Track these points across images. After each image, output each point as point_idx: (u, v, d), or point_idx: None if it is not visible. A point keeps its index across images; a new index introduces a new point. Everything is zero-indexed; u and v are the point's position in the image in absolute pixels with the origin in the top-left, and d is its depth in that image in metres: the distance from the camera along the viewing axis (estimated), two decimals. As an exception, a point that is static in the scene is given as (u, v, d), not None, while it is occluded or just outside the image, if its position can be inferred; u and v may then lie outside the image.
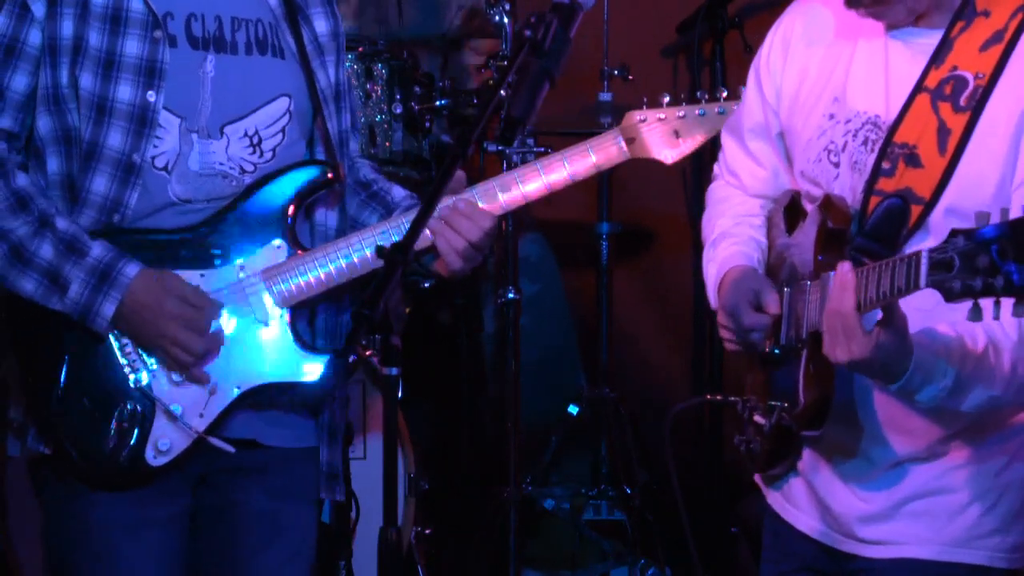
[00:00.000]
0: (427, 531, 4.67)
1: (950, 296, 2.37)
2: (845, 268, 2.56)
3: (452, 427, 5.45)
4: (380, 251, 2.52)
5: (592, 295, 5.44)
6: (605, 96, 5.20)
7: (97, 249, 3.00)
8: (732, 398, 3.07)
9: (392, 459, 2.58)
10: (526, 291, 5.63)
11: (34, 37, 3.01)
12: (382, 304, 2.42)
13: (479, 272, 5.56)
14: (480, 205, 3.11)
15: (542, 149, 4.96)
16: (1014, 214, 2.33)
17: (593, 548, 5.19)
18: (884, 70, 2.83)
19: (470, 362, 5.47)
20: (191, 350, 3.01)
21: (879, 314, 2.54)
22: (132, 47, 3.02)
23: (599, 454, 5.37)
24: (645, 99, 3.23)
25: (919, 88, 2.77)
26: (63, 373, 3.04)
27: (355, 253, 3.11)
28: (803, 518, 2.98)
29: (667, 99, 3.22)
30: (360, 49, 4.93)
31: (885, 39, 2.84)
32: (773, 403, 2.89)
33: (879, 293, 2.50)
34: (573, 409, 5.27)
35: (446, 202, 3.10)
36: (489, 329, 5.65)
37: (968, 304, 2.36)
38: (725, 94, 3.25)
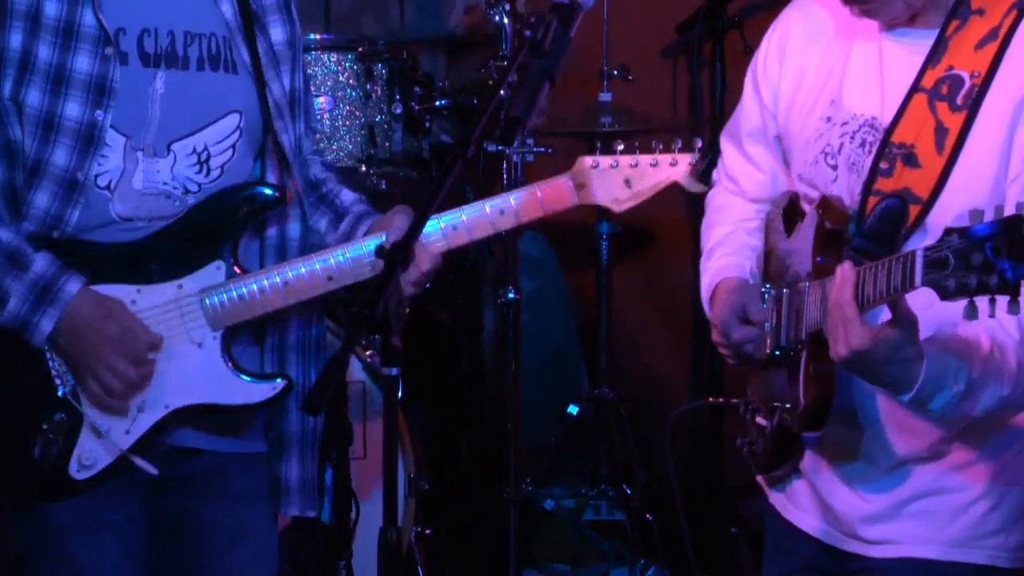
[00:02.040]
0: (427, 531, 4.67)
1: (945, 294, 2.37)
2: (845, 267, 2.57)
3: (452, 427, 5.45)
4: (380, 251, 2.52)
5: (592, 295, 5.44)
6: (605, 96, 5.20)
7: (39, 263, 2.96)
8: (734, 400, 3.07)
9: (392, 459, 2.58)
10: (527, 288, 5.62)
11: None
12: (381, 304, 2.42)
13: (479, 273, 5.56)
14: (424, 245, 3.07)
15: (542, 149, 4.96)
16: (1008, 210, 2.34)
17: (593, 548, 5.19)
18: (879, 71, 2.83)
19: (470, 362, 5.47)
20: (125, 378, 2.98)
21: (886, 314, 2.54)
22: (83, 63, 2.96)
23: (599, 454, 5.37)
24: (599, 144, 3.23)
25: (916, 88, 2.77)
26: None
27: (293, 279, 3.08)
28: (805, 518, 2.98)
29: (621, 146, 3.22)
30: (360, 49, 4.92)
31: (880, 40, 2.84)
32: (774, 405, 2.90)
33: (877, 292, 2.50)
34: (573, 409, 5.27)
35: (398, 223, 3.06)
36: (489, 329, 5.65)
37: (963, 303, 2.36)
38: (680, 145, 3.24)
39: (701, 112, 5.53)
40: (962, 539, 2.83)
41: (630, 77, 5.20)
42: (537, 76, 2.59)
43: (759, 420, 2.98)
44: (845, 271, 2.56)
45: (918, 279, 2.40)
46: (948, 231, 2.37)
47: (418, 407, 5.14)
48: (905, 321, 2.54)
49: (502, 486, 4.97)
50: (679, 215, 5.61)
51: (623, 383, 5.32)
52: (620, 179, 3.21)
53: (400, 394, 2.55)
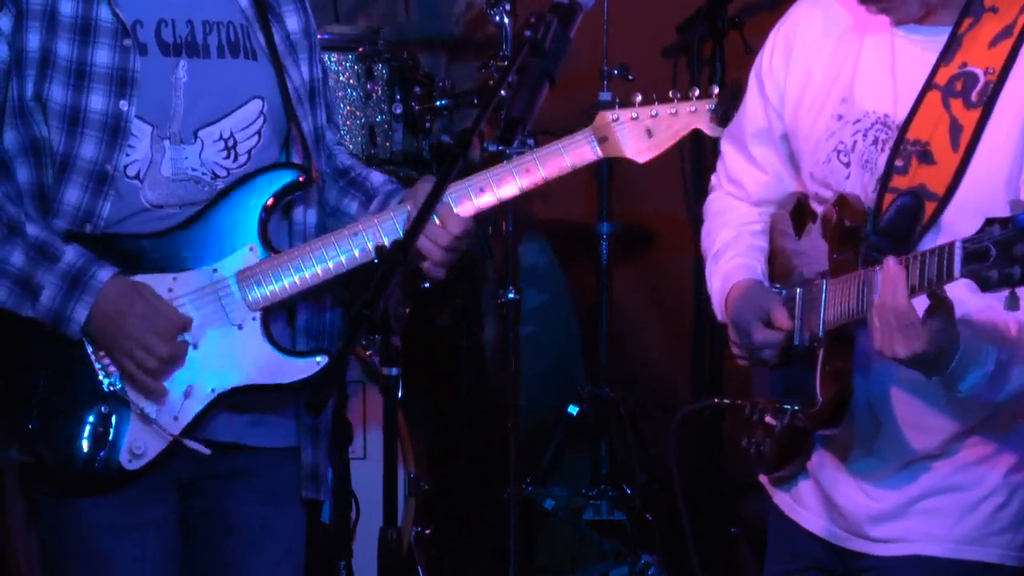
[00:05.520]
0: (427, 531, 4.68)
1: (986, 286, 2.37)
2: (892, 263, 2.55)
3: (452, 427, 5.45)
4: (380, 251, 2.53)
5: (592, 295, 5.44)
6: (605, 95, 5.20)
7: (70, 254, 2.99)
8: (740, 401, 3.06)
9: (392, 459, 2.59)
10: (534, 301, 5.64)
11: (0, 51, 2.99)
12: (381, 304, 2.43)
13: (479, 274, 5.56)
14: (454, 209, 3.10)
15: (542, 150, 4.95)
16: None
17: (593, 548, 5.19)
18: (891, 69, 2.83)
19: (470, 362, 5.47)
20: (157, 353, 3.00)
21: (925, 303, 2.54)
22: (102, 56, 3.01)
23: (599, 454, 5.37)
24: (618, 99, 3.23)
25: (929, 85, 2.77)
26: (38, 381, 3.02)
27: (328, 255, 3.11)
28: (811, 517, 2.98)
29: (639, 98, 3.22)
30: (360, 49, 4.93)
31: (891, 37, 2.84)
32: (786, 407, 2.89)
33: (909, 287, 2.51)
34: (573, 409, 5.27)
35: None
36: (489, 330, 5.65)
37: (1003, 294, 2.37)
38: (697, 93, 3.23)
39: (701, 112, 5.52)
40: (971, 537, 2.83)
41: (630, 76, 5.19)
42: (537, 76, 2.59)
43: (768, 419, 2.97)
44: (892, 267, 2.54)
45: (957, 271, 2.40)
46: (989, 221, 2.38)
47: (418, 407, 5.15)
48: (947, 310, 2.54)
49: (502, 486, 4.97)
50: (679, 214, 5.61)
51: (623, 383, 5.32)
52: (642, 130, 3.21)
53: (400, 394, 2.55)
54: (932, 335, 2.53)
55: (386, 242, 3.10)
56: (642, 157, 3.22)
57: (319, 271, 3.10)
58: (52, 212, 3.02)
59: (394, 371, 2.54)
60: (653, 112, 3.21)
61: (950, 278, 2.42)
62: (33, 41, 2.99)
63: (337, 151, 3.35)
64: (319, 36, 4.38)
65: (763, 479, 3.10)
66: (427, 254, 3.08)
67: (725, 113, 3.17)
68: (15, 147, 3.03)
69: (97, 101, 3.00)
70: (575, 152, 3.18)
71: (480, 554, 5.13)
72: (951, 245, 2.42)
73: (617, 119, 3.20)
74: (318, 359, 3.11)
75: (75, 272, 2.98)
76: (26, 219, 3.00)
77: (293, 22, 3.22)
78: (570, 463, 5.45)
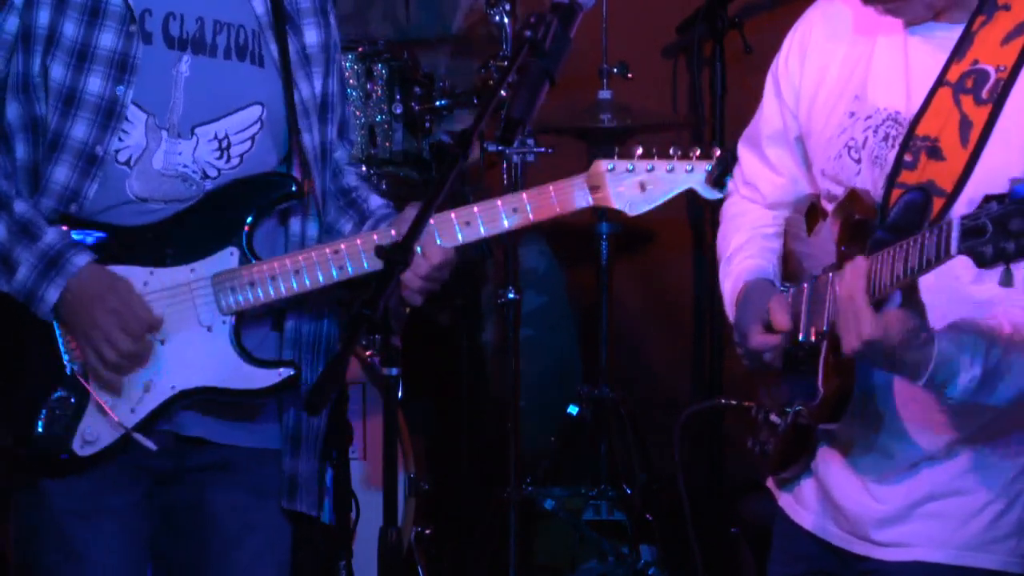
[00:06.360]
0: (427, 531, 4.68)
1: (982, 261, 2.37)
2: (859, 259, 2.57)
3: (452, 427, 5.46)
4: (380, 251, 2.53)
5: (592, 295, 5.44)
6: (604, 94, 5.20)
7: (50, 235, 3.01)
8: (746, 403, 3.06)
9: (392, 459, 2.58)
10: (532, 303, 5.63)
11: (11, 24, 3.04)
12: (381, 304, 2.43)
13: (479, 275, 5.56)
14: (437, 241, 3.09)
15: (542, 149, 4.96)
16: None
17: (593, 548, 5.19)
18: (904, 66, 2.83)
19: (470, 362, 5.47)
20: (119, 348, 3.01)
21: (898, 300, 2.55)
22: (107, 40, 3.03)
23: (599, 454, 5.37)
24: (617, 149, 3.21)
25: (940, 82, 2.77)
26: (5, 358, 3.05)
27: (307, 270, 3.10)
28: (812, 519, 2.97)
29: (639, 151, 3.20)
30: (360, 49, 4.93)
31: (904, 35, 2.85)
32: (788, 408, 2.89)
33: (901, 271, 2.50)
34: (573, 409, 5.27)
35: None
36: (489, 330, 5.66)
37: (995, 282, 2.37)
38: (698, 153, 3.21)
39: (701, 112, 5.52)
40: (974, 543, 2.81)
41: (630, 75, 5.19)
42: (537, 76, 2.59)
43: (772, 418, 2.97)
44: (857, 261, 2.56)
45: (954, 247, 2.40)
46: (987, 198, 2.38)
47: (418, 407, 5.15)
48: (915, 304, 2.54)
49: (502, 486, 4.97)
50: (679, 215, 5.61)
51: (623, 383, 5.33)
52: (636, 183, 3.20)
53: (400, 394, 2.54)
54: (887, 324, 2.53)
55: (366, 265, 3.10)
56: (633, 211, 3.22)
57: (295, 285, 3.10)
58: (40, 189, 3.04)
59: (394, 371, 2.54)
60: (649, 167, 3.20)
61: (947, 255, 2.42)
62: (43, 17, 3.02)
63: (346, 171, 3.34)
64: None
65: (770, 482, 3.10)
66: (406, 282, 3.06)
67: (722, 174, 3.16)
68: (17, 122, 3.07)
69: (95, 84, 3.03)
70: (565, 199, 3.17)
71: (480, 554, 5.13)
72: (950, 222, 2.41)
73: (612, 169, 3.19)
74: (281, 371, 3.12)
75: (53, 254, 3.00)
76: (15, 196, 3.03)
77: (312, 35, 3.21)
78: (570, 463, 5.45)
